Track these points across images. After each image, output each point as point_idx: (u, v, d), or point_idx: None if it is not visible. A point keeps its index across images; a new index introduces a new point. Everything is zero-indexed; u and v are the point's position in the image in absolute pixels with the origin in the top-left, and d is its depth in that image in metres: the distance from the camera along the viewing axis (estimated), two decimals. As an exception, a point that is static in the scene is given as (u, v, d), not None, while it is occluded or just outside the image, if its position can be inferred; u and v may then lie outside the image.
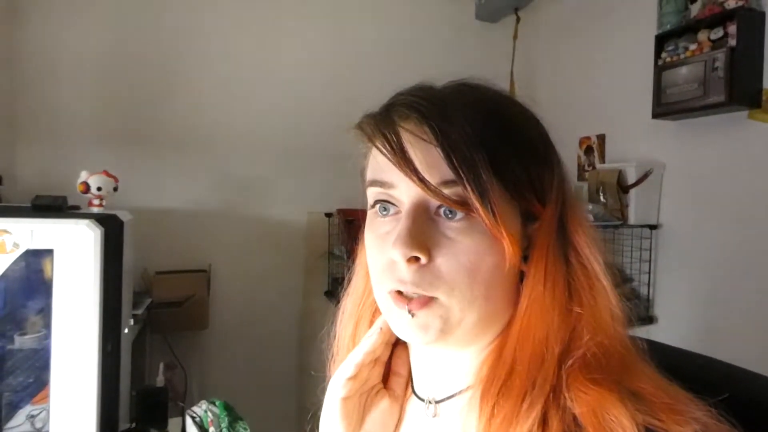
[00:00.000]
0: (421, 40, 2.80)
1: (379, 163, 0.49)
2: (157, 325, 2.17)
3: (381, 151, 0.47)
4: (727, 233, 1.86)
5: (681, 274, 2.05)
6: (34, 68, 2.21)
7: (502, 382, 0.45)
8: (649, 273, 2.14)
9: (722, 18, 1.75)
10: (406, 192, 0.47)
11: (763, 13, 1.73)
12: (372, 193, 0.50)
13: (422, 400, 0.54)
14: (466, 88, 0.51)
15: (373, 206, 0.51)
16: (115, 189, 1.55)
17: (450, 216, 0.46)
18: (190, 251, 2.44)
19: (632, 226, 2.14)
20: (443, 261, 0.46)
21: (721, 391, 0.44)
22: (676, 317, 2.07)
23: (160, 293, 2.21)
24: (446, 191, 0.45)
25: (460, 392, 0.51)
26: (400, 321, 0.48)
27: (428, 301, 0.46)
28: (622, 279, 2.21)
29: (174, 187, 2.43)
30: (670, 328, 2.08)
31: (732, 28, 1.72)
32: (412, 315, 0.46)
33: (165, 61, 2.41)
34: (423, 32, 2.82)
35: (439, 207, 0.46)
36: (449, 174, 0.44)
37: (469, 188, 0.44)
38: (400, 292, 0.47)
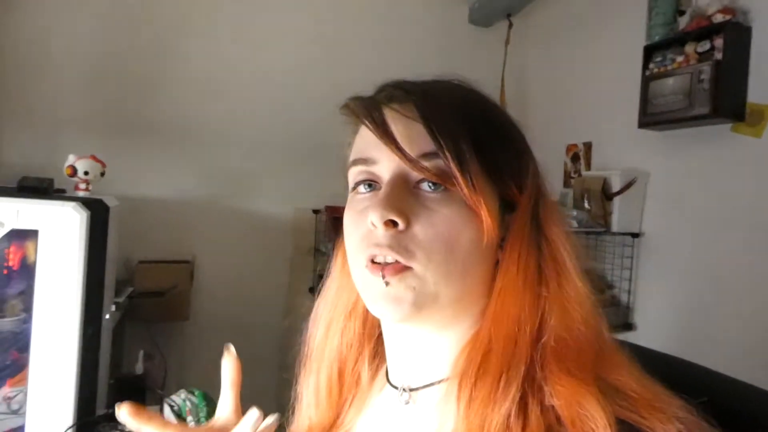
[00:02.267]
0: (413, 43, 2.82)
1: (363, 142, 0.51)
2: (138, 314, 2.14)
3: (365, 124, 0.49)
4: (709, 243, 1.89)
5: (661, 282, 2.08)
6: (24, 54, 2.18)
7: (479, 364, 0.45)
8: (630, 280, 2.18)
9: (709, 31, 1.79)
10: (387, 167, 0.48)
11: (749, 28, 1.77)
12: (353, 174, 0.51)
13: (396, 388, 0.54)
14: (451, 81, 0.54)
15: (354, 188, 0.52)
16: (102, 174, 1.54)
17: (430, 188, 0.47)
18: (174, 242, 2.42)
19: (615, 234, 2.17)
20: (420, 228, 0.46)
21: (700, 394, 0.45)
22: (655, 324, 2.10)
23: (142, 282, 2.20)
24: (426, 163, 0.46)
25: (438, 381, 0.50)
26: (374, 292, 0.48)
27: (402, 269, 0.46)
28: (603, 286, 2.24)
29: (160, 177, 2.41)
30: (649, 335, 2.11)
31: (719, 42, 1.76)
32: (387, 284, 0.46)
33: (155, 51, 2.39)
34: (416, 35, 2.83)
35: (420, 181, 0.47)
36: (430, 146, 0.46)
37: (449, 156, 0.45)
38: (375, 262, 0.47)
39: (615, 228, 2.17)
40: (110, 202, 1.36)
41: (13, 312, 1.35)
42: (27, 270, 1.16)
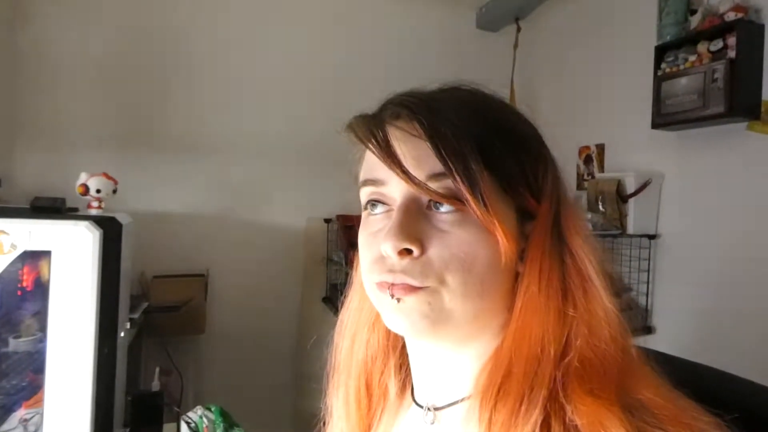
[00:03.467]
0: (421, 48, 2.81)
1: (370, 163, 0.49)
2: (153, 330, 2.15)
3: (368, 148, 0.47)
4: (726, 243, 1.86)
5: (680, 284, 2.04)
6: (36, 71, 2.21)
7: (499, 386, 0.44)
8: (648, 283, 2.14)
9: (722, 30, 1.76)
10: (397, 188, 0.47)
11: (762, 26, 1.74)
12: (365, 194, 0.50)
13: (421, 407, 0.53)
14: (457, 89, 0.52)
15: (365, 207, 0.51)
16: (115, 191, 1.54)
17: (441, 209, 0.46)
18: (188, 255, 2.43)
19: (631, 236, 2.14)
20: (435, 252, 0.45)
21: (734, 407, 0.43)
22: (675, 327, 2.06)
23: (157, 297, 2.20)
24: (434, 184, 0.45)
25: (461, 400, 0.49)
26: (386, 309, 0.47)
27: (416, 290, 0.45)
28: (620, 288, 2.20)
29: (173, 191, 2.43)
30: (669, 338, 2.07)
31: (731, 40, 1.73)
32: (398, 300, 0.45)
33: (165, 66, 2.41)
34: (424, 40, 2.83)
35: (431, 201, 0.46)
36: (438, 167, 0.44)
37: (458, 178, 0.43)
38: (390, 284, 0.46)
39: (631, 230, 2.14)
40: (123, 219, 1.36)
41: (28, 332, 1.36)
42: (41, 290, 1.16)
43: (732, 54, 1.73)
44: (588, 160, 2.50)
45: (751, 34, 1.73)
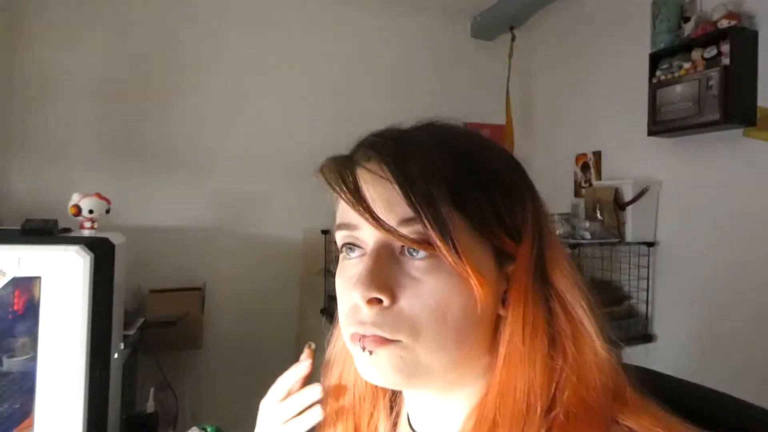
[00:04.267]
0: (416, 58, 2.81)
1: (344, 206, 0.48)
2: (150, 345, 2.14)
3: (337, 193, 0.46)
4: (725, 250, 1.85)
5: (679, 291, 2.04)
6: (32, 91, 2.21)
7: None
8: (647, 290, 2.13)
9: (715, 37, 1.76)
10: (369, 233, 0.46)
11: (755, 32, 1.74)
12: (339, 237, 0.49)
13: None
14: (430, 126, 0.50)
15: (341, 250, 0.50)
16: (108, 211, 1.53)
17: (414, 255, 0.44)
18: (184, 269, 2.42)
19: (629, 244, 2.13)
20: (407, 302, 0.43)
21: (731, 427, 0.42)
22: (675, 335, 2.05)
23: (153, 312, 2.19)
24: (406, 230, 0.43)
25: None
26: (360, 361, 0.46)
27: (388, 342, 0.44)
28: (620, 297, 2.19)
29: (169, 205, 2.42)
30: (669, 346, 2.06)
31: (725, 47, 1.73)
32: (370, 353, 0.44)
33: (159, 82, 2.41)
34: (419, 50, 2.83)
35: (404, 246, 0.45)
36: (409, 212, 0.43)
37: (427, 224, 0.42)
38: (361, 336, 0.45)
39: (629, 238, 2.13)
40: (116, 239, 1.35)
41: (23, 352, 1.35)
42: (34, 311, 1.15)
43: (726, 61, 1.73)
44: (585, 168, 2.50)
45: (744, 41, 1.73)
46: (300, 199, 2.60)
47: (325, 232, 2.53)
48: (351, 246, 0.48)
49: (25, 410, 1.11)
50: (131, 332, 1.85)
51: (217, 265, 2.48)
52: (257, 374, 2.66)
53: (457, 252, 0.42)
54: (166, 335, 2.15)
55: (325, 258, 2.57)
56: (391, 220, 0.43)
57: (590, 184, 2.43)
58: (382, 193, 0.44)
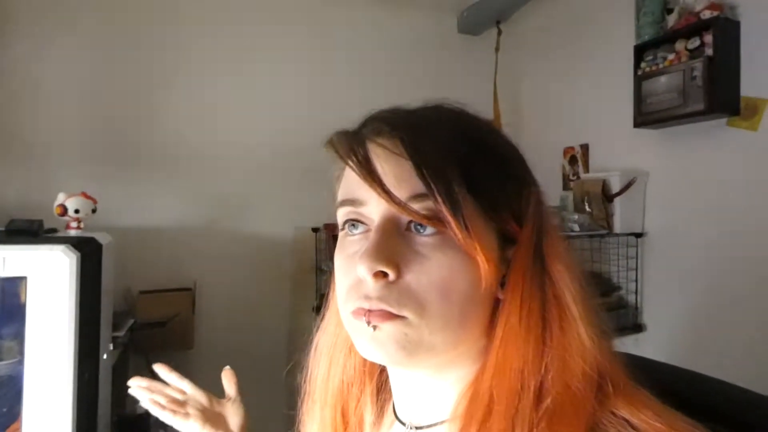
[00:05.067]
0: (403, 54, 2.81)
1: (349, 182, 0.48)
2: (140, 346, 2.12)
3: (348, 165, 0.46)
4: (713, 239, 1.87)
5: (668, 281, 2.06)
6: (16, 90, 2.19)
7: (481, 420, 0.43)
8: (636, 281, 2.15)
9: (698, 28, 1.78)
10: (376, 208, 0.45)
11: (737, 23, 1.76)
12: (342, 214, 0.49)
13: (404, 424, 0.52)
14: (440, 107, 0.50)
15: (343, 227, 0.49)
16: (94, 211, 1.52)
17: (421, 231, 0.44)
18: (174, 269, 2.41)
19: (618, 235, 2.15)
20: (413, 278, 0.43)
21: (726, 412, 0.42)
22: (665, 325, 2.07)
23: (143, 313, 2.17)
24: (416, 205, 0.43)
25: (441, 422, 0.49)
26: (361, 337, 0.45)
27: (392, 317, 0.43)
28: (609, 288, 2.21)
29: (157, 205, 2.40)
30: (659, 336, 2.08)
31: (708, 38, 1.75)
32: (374, 328, 0.44)
33: (146, 80, 2.39)
34: (406, 46, 2.83)
35: (410, 222, 0.44)
36: (420, 187, 0.43)
37: (440, 200, 0.42)
38: (366, 310, 0.44)
39: (618, 229, 2.15)
40: (103, 239, 1.34)
41: (10, 355, 1.33)
42: (19, 314, 1.13)
43: (710, 51, 1.74)
44: (573, 161, 2.51)
45: (727, 32, 1.75)
46: (290, 197, 2.60)
47: (316, 230, 2.53)
48: (354, 222, 0.48)
49: (12, 413, 1.09)
50: (121, 333, 1.84)
51: (207, 264, 2.47)
52: (249, 374, 2.65)
53: (467, 229, 0.42)
54: (156, 336, 2.13)
55: (316, 256, 2.56)
56: (401, 194, 0.43)
57: (578, 177, 2.45)
58: (392, 168, 0.44)
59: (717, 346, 1.82)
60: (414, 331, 0.43)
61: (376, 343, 0.44)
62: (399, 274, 0.43)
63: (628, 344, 2.04)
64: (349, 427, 0.57)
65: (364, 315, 0.44)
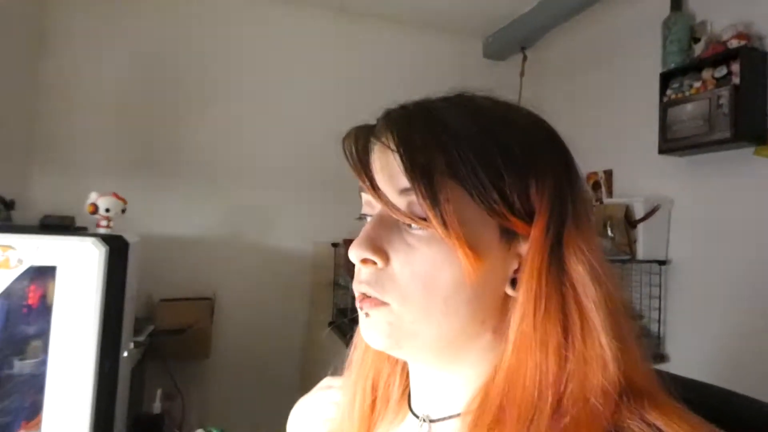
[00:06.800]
0: (429, 77, 2.84)
1: None
2: (158, 353, 2.14)
3: (346, 161, 0.47)
4: (738, 269, 1.83)
5: (692, 310, 2.01)
6: (55, 98, 2.28)
7: (489, 427, 0.42)
8: (659, 309, 2.10)
9: (725, 57, 1.78)
10: (375, 201, 0.47)
11: (765, 53, 1.75)
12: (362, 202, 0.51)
13: (417, 416, 0.52)
14: (458, 96, 0.50)
15: (361, 217, 0.51)
16: (123, 211, 1.56)
17: (412, 225, 0.44)
18: (195, 279, 2.44)
19: (641, 262, 2.11)
20: (398, 267, 0.44)
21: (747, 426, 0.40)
22: (689, 355, 2.02)
23: (163, 320, 2.20)
24: (404, 200, 0.44)
25: (455, 415, 0.48)
26: (361, 323, 0.47)
27: (379, 304, 0.45)
28: (631, 316, 2.16)
29: (182, 215, 2.45)
30: (683, 366, 2.02)
31: (735, 67, 1.74)
32: (366, 315, 0.46)
33: (178, 93, 2.47)
34: (430, 70, 2.87)
35: None
36: (406, 182, 0.43)
37: (420, 194, 0.41)
38: (363, 296, 0.46)
39: (641, 256, 2.11)
40: (131, 238, 1.37)
41: (34, 354, 1.36)
42: (47, 309, 1.17)
43: (736, 80, 1.74)
44: (596, 186, 2.50)
45: (754, 61, 1.75)
46: (311, 212, 2.63)
47: (335, 245, 2.55)
48: (365, 214, 0.49)
49: (35, 407, 1.11)
50: (141, 339, 1.86)
51: (227, 275, 2.50)
52: (264, 385, 2.66)
53: (444, 223, 0.41)
54: (175, 343, 2.16)
55: (334, 271, 2.58)
56: (392, 189, 0.44)
57: (601, 202, 2.43)
58: (387, 164, 0.45)
59: (743, 379, 1.76)
60: (396, 319, 0.45)
61: (368, 330, 0.46)
62: (387, 262, 0.44)
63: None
64: (377, 399, 0.57)
65: (360, 301, 0.46)
